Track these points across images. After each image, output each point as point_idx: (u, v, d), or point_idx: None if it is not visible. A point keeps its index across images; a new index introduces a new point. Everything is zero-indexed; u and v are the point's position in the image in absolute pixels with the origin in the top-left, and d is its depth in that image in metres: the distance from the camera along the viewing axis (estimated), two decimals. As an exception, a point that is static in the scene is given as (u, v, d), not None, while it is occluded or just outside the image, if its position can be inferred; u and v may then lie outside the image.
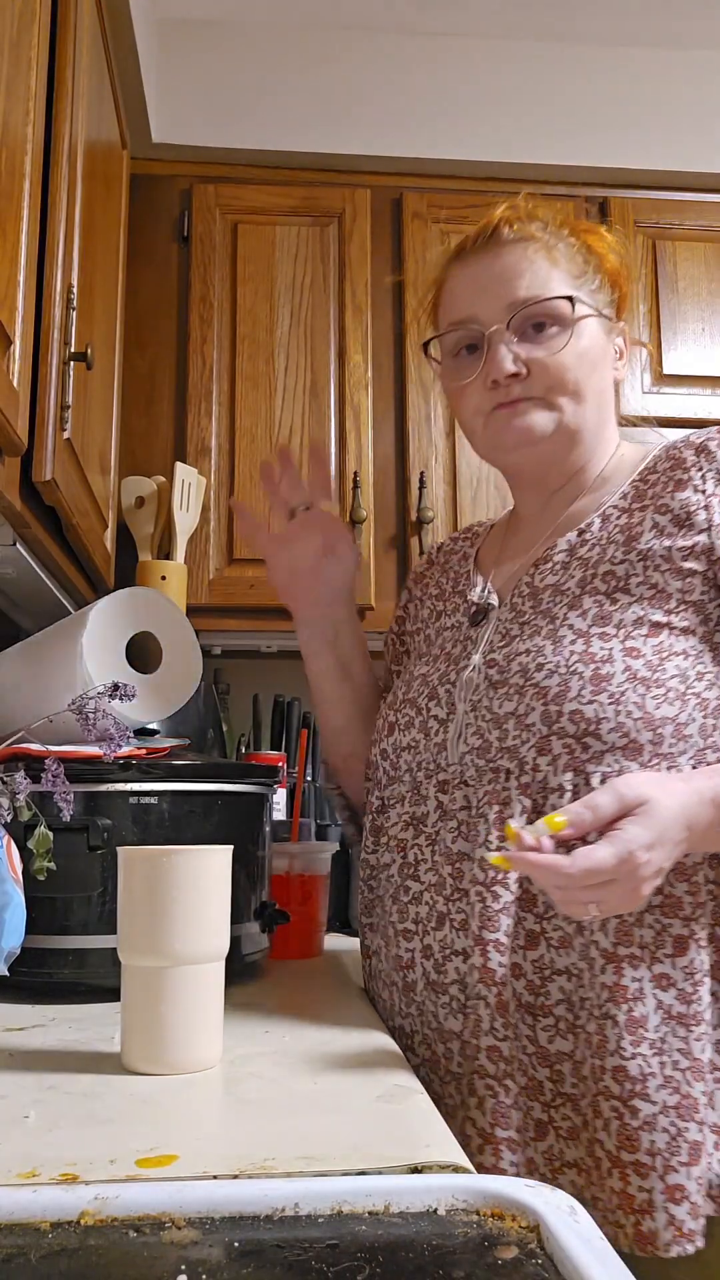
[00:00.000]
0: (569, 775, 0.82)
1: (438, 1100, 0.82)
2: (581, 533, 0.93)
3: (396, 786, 0.94)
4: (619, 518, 0.92)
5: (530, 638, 0.89)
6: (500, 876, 0.83)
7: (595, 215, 2.05)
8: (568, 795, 0.81)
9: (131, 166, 1.81)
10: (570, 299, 0.92)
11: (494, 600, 0.97)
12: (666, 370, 2.04)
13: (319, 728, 1.11)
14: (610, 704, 0.81)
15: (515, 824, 0.75)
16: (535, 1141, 0.81)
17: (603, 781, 0.79)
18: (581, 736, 0.81)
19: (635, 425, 1.05)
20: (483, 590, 0.99)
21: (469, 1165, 0.54)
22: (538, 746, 0.83)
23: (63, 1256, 0.43)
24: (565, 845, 0.74)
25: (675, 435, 0.96)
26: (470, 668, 0.91)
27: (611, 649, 0.84)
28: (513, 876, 0.83)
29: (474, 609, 0.98)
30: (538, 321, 0.93)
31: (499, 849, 0.82)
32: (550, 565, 0.93)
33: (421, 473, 1.94)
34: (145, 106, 1.91)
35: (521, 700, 0.84)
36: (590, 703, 0.81)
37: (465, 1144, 0.80)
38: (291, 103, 2.05)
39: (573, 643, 0.85)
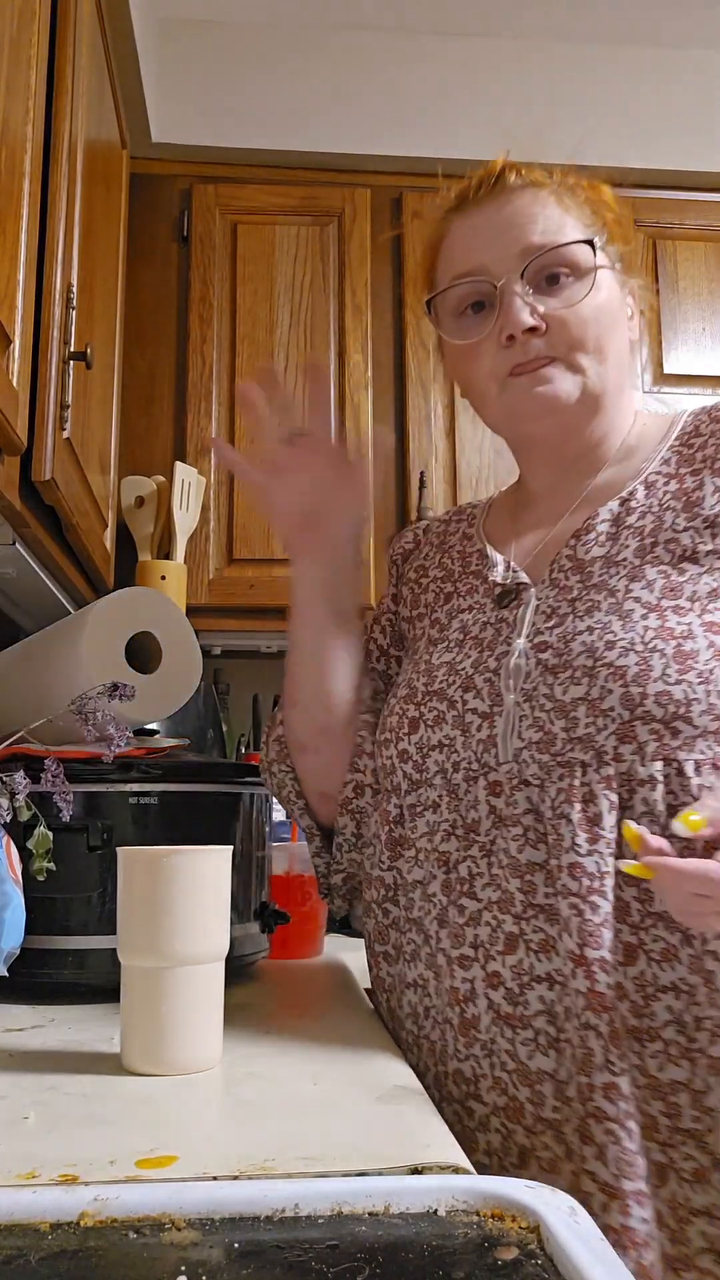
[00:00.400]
0: (659, 765, 0.73)
1: (524, 1154, 0.73)
2: (625, 501, 0.85)
3: (425, 791, 0.84)
4: (667, 484, 0.84)
5: (588, 614, 0.80)
6: (598, 884, 0.73)
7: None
8: (659, 787, 0.73)
9: (131, 166, 1.81)
10: (590, 243, 0.85)
11: (524, 578, 0.87)
12: (667, 370, 2.04)
13: (295, 696, 0.95)
14: (700, 684, 0.73)
15: (636, 825, 0.67)
16: (657, 1189, 0.70)
17: (698, 771, 0.72)
18: (670, 721, 0.73)
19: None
20: (506, 569, 0.89)
21: (469, 1166, 0.54)
22: (619, 734, 0.74)
23: (62, 1258, 0.43)
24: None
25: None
26: (515, 653, 0.81)
27: (690, 624, 0.75)
28: (609, 883, 0.73)
29: (500, 589, 0.88)
30: (552, 273, 0.84)
31: (622, 854, 0.73)
32: (594, 536, 0.85)
33: (421, 472, 1.94)
34: (145, 106, 1.91)
35: (594, 683, 0.75)
36: (678, 682, 0.73)
37: (583, 1204, 0.70)
38: (291, 103, 2.05)
39: (644, 617, 0.77)
